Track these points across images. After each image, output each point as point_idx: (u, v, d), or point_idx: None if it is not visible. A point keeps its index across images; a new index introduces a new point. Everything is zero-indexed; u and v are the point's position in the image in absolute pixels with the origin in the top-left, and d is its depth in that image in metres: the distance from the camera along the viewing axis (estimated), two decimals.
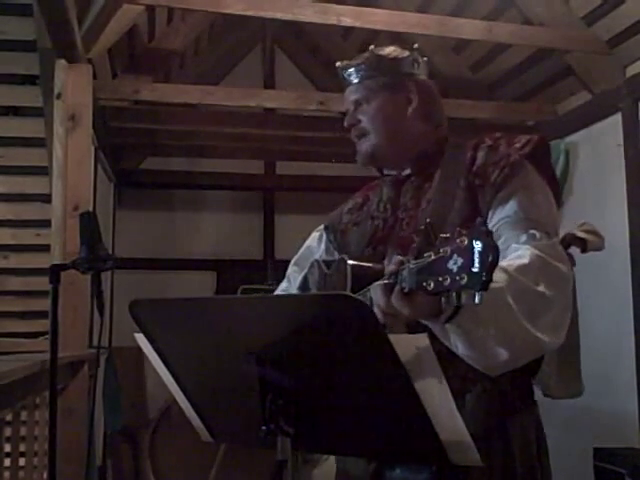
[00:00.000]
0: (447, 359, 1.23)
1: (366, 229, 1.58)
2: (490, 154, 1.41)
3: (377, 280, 1.18)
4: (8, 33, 3.76)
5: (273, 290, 1.90)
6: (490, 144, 1.44)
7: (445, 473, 1.28)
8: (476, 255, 0.94)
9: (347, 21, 3.58)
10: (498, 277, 1.18)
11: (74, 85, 3.27)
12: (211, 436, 1.34)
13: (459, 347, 1.20)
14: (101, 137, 4.28)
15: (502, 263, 1.22)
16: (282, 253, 5.97)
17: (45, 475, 2.59)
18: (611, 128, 3.95)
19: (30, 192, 4.19)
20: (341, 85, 1.62)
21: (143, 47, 4.53)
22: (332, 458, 3.87)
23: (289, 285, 1.73)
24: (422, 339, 1.02)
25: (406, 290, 1.08)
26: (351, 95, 1.58)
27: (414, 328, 1.33)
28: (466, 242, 0.96)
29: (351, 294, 1.05)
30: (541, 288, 1.24)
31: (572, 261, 1.36)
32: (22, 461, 2.52)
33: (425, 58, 1.60)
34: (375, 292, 1.15)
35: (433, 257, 1.01)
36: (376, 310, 1.14)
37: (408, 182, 1.54)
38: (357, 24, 3.66)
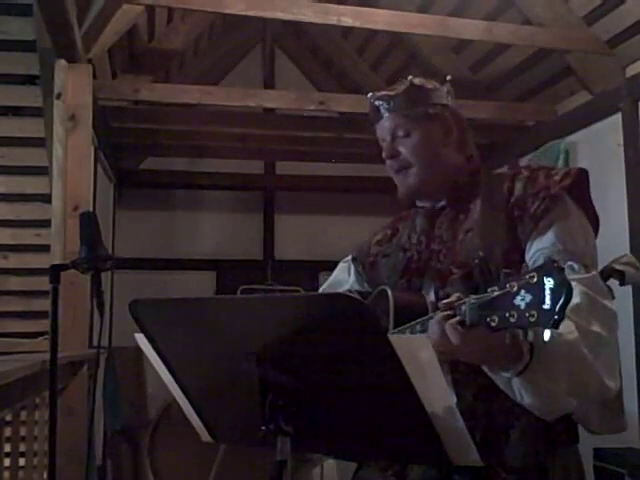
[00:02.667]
0: (491, 394, 1.24)
1: (397, 261, 1.55)
2: (528, 185, 1.40)
3: (421, 313, 1.17)
4: (8, 33, 3.76)
5: (273, 290, 1.90)
6: (528, 175, 1.42)
7: None
8: (547, 292, 0.92)
9: (347, 21, 3.58)
10: (571, 327, 1.16)
11: (74, 85, 3.27)
12: (211, 436, 1.34)
13: (524, 398, 1.17)
14: (101, 137, 4.28)
15: None
16: (282, 253, 5.98)
17: (45, 475, 2.59)
18: (611, 128, 3.95)
19: (30, 192, 4.19)
20: (371, 115, 1.55)
21: (143, 47, 4.53)
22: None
23: None
24: (423, 340, 1.02)
25: (467, 324, 1.06)
26: (387, 126, 1.52)
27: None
28: (536, 278, 0.94)
29: (351, 294, 1.05)
30: (596, 328, 1.22)
31: (612, 294, 1.34)
32: (22, 461, 2.53)
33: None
34: (433, 324, 1.12)
35: (498, 292, 0.99)
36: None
37: (443, 214, 1.51)
38: (357, 24, 3.66)
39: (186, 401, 1.30)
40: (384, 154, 1.53)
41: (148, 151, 5.68)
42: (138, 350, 1.27)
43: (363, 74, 5.62)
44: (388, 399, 1.07)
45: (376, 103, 1.53)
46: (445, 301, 1.11)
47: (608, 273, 1.38)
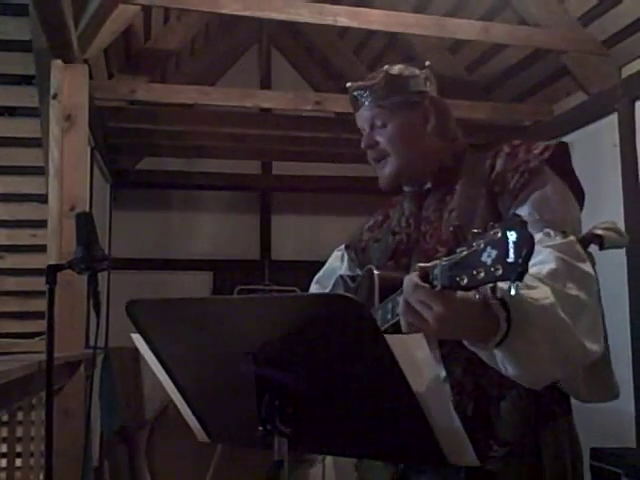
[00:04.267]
0: (479, 367, 1.24)
1: (388, 244, 1.57)
2: (508, 161, 1.42)
3: None
4: (4, 33, 3.76)
5: (269, 290, 1.93)
6: (508, 151, 1.44)
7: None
8: (510, 245, 0.93)
9: (343, 21, 3.58)
10: (546, 291, 1.16)
11: (70, 85, 3.26)
12: (208, 436, 1.34)
13: (509, 369, 1.16)
14: (97, 137, 4.28)
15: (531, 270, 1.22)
16: (279, 253, 5.99)
17: (41, 476, 2.59)
18: (607, 128, 3.95)
19: (26, 192, 4.19)
20: (351, 105, 1.58)
21: (139, 47, 4.53)
22: (329, 458, 3.89)
23: None
24: (419, 340, 1.02)
25: (438, 287, 1.06)
26: (365, 116, 1.55)
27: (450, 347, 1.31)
28: (500, 234, 0.95)
29: (348, 294, 1.05)
30: (574, 292, 1.21)
31: (592, 260, 1.34)
32: (19, 462, 2.52)
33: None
34: (405, 284, 1.11)
35: (466, 252, 1.00)
36: (402, 317, 1.12)
37: (430, 196, 1.53)
38: (353, 24, 3.66)
39: (183, 401, 1.30)
40: (363, 144, 1.56)
41: (144, 151, 5.68)
42: (135, 351, 1.27)
43: (359, 74, 5.60)
44: (385, 399, 1.08)
45: (355, 93, 1.56)
46: (420, 265, 1.11)
47: (588, 239, 1.39)
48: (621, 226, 4.05)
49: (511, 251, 0.93)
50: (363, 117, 1.55)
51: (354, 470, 1.58)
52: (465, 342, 1.18)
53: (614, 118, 3.89)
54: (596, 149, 4.06)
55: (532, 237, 0.93)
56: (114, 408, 4.09)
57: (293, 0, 3.60)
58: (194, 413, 1.31)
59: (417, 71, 1.55)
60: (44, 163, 3.66)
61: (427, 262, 1.13)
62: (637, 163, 3.73)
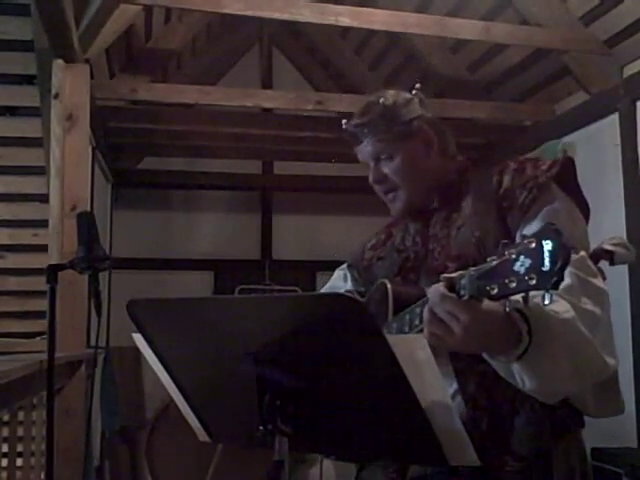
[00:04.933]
0: (494, 382, 1.24)
1: (393, 262, 1.57)
2: (516, 177, 1.42)
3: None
4: (6, 33, 3.76)
5: (270, 290, 1.93)
6: (515, 167, 1.45)
7: None
8: (546, 254, 0.92)
9: (345, 21, 3.58)
10: (566, 305, 1.16)
11: (71, 85, 3.27)
12: (208, 436, 1.34)
13: (526, 383, 1.16)
14: (98, 137, 4.28)
15: None
16: (279, 253, 5.98)
17: (43, 475, 2.59)
18: (608, 128, 3.95)
19: (27, 192, 4.19)
20: (351, 140, 1.57)
21: (140, 47, 4.53)
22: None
23: None
24: (420, 340, 1.02)
25: (466, 297, 1.05)
26: (369, 151, 1.54)
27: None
28: (535, 243, 0.94)
29: (349, 294, 1.05)
30: (590, 307, 1.22)
31: (602, 275, 1.35)
32: (19, 461, 2.52)
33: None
34: (432, 294, 1.11)
35: (497, 261, 1.00)
36: (426, 327, 1.11)
37: (436, 214, 1.53)
38: (355, 24, 3.66)
39: (183, 401, 1.30)
40: (370, 179, 1.56)
41: (146, 151, 5.67)
42: (136, 350, 1.28)
43: (361, 74, 5.62)
44: (386, 399, 1.07)
45: (353, 130, 1.55)
46: (445, 275, 1.10)
47: (598, 254, 1.38)
48: (622, 226, 4.07)
49: (546, 260, 0.92)
50: (366, 152, 1.55)
51: (355, 468, 1.58)
52: (485, 355, 1.18)
53: (615, 118, 3.89)
54: (597, 149, 4.06)
55: (568, 247, 0.93)
56: (115, 408, 4.09)
57: (295, 0, 3.60)
58: (195, 413, 1.31)
59: (409, 95, 1.54)
60: (45, 163, 3.66)
61: (436, 279, 1.13)
62: (638, 163, 3.73)
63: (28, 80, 3.88)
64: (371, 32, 4.96)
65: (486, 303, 1.06)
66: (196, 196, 5.95)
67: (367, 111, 1.52)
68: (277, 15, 3.53)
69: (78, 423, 3.06)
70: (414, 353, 1.01)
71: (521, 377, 1.16)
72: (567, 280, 1.20)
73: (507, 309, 1.02)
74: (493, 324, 1.09)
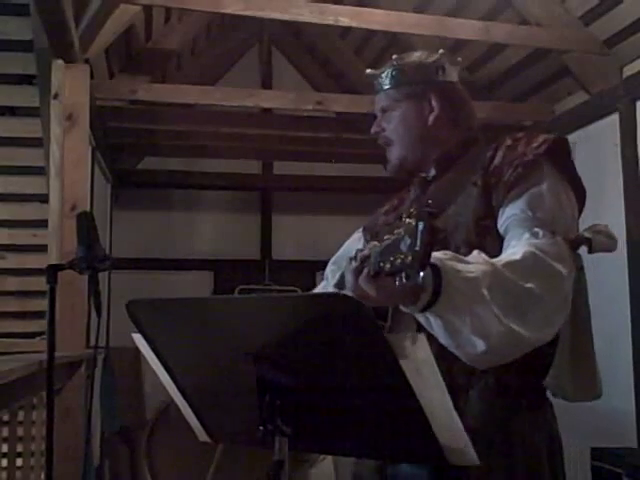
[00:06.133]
0: (452, 354, 1.25)
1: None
2: (508, 153, 1.43)
3: None
4: (5, 33, 3.76)
5: (270, 290, 1.95)
6: (509, 144, 1.46)
7: (445, 469, 1.29)
8: (419, 235, 0.97)
9: (345, 21, 3.58)
10: (479, 269, 1.21)
11: (71, 85, 3.27)
12: (208, 436, 1.34)
13: (440, 336, 1.21)
14: (98, 137, 4.28)
15: (495, 259, 1.26)
16: (279, 253, 5.98)
17: (42, 475, 2.59)
18: (608, 128, 3.95)
19: (27, 192, 4.19)
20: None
21: (140, 47, 4.53)
22: (329, 458, 3.88)
23: (327, 282, 1.77)
24: (420, 339, 1.01)
25: (371, 272, 1.12)
26: (378, 103, 1.62)
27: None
28: (413, 223, 0.99)
29: (349, 294, 1.05)
30: (528, 284, 1.24)
31: (579, 262, 1.37)
32: (19, 461, 2.52)
33: (459, 59, 1.65)
34: (346, 274, 1.19)
35: (391, 239, 1.05)
36: (349, 293, 1.17)
37: (434, 183, 1.57)
38: (354, 24, 3.66)
39: (184, 401, 1.30)
40: (372, 129, 1.63)
41: (145, 151, 5.68)
42: (136, 350, 1.27)
43: (360, 74, 5.60)
44: (385, 398, 1.07)
45: (372, 80, 1.64)
46: (361, 253, 1.16)
47: (578, 241, 1.39)
48: (622, 226, 4.07)
49: (419, 240, 0.97)
50: (376, 103, 1.62)
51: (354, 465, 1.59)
52: (401, 307, 1.22)
53: (615, 118, 3.89)
54: (597, 149, 4.06)
55: (435, 229, 0.98)
56: (115, 408, 4.09)
57: (294, 0, 3.60)
58: (195, 413, 1.31)
59: (430, 59, 1.60)
60: (45, 163, 3.66)
61: None
62: (638, 163, 3.73)
63: (28, 80, 3.88)
64: (371, 32, 4.95)
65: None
66: (196, 196, 5.95)
67: (387, 65, 1.60)
68: (277, 15, 3.54)
69: (78, 423, 3.06)
70: (414, 352, 1.00)
71: (436, 329, 1.21)
72: (517, 257, 1.26)
73: (397, 284, 1.05)
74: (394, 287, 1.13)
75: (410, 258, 0.98)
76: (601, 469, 3.30)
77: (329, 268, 1.80)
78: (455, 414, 1.04)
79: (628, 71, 3.86)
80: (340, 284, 1.65)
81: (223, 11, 3.56)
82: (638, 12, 3.54)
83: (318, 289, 1.82)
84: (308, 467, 3.48)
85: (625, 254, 3.71)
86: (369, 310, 1.02)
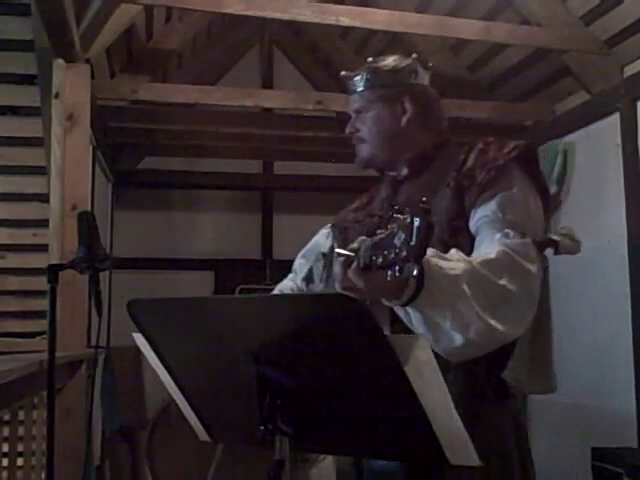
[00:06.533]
0: None
1: (366, 226, 1.65)
2: (480, 157, 1.49)
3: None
4: (6, 33, 3.76)
5: (271, 290, 1.97)
6: (481, 148, 1.52)
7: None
8: (414, 231, 1.00)
9: (345, 21, 3.58)
10: (460, 266, 1.27)
11: (72, 85, 3.27)
12: (209, 436, 1.34)
13: (418, 329, 1.26)
14: (99, 137, 4.28)
15: (470, 257, 1.33)
16: (280, 253, 5.98)
17: (43, 475, 2.59)
18: (609, 128, 3.95)
19: (28, 192, 4.18)
20: (343, 88, 1.72)
21: (141, 47, 4.53)
22: (329, 457, 3.87)
23: (295, 275, 1.86)
24: (421, 340, 1.02)
25: (361, 265, 1.15)
26: (352, 104, 1.67)
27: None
28: (408, 219, 1.02)
29: (349, 294, 1.05)
30: (503, 282, 1.31)
31: (545, 262, 1.44)
32: (20, 461, 2.52)
33: (430, 64, 1.70)
34: (334, 266, 1.22)
35: (384, 234, 1.08)
36: (336, 285, 1.22)
37: (406, 183, 1.63)
38: (355, 24, 3.66)
39: (184, 401, 1.30)
40: (346, 129, 1.68)
41: (146, 151, 5.67)
42: (136, 350, 1.28)
43: None
44: (386, 399, 1.08)
45: (346, 82, 1.68)
46: (350, 246, 1.21)
47: (545, 243, 1.45)
48: (623, 225, 4.07)
49: (414, 235, 1.00)
50: (350, 104, 1.68)
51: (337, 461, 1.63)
52: (384, 301, 1.26)
53: (616, 118, 3.89)
54: (598, 149, 4.06)
55: (432, 226, 1.01)
56: (115, 407, 4.09)
57: (295, 0, 3.60)
58: (195, 412, 1.31)
59: (404, 63, 1.66)
60: (46, 162, 3.66)
61: None
62: (639, 163, 3.73)
63: (29, 80, 3.88)
64: (371, 32, 4.96)
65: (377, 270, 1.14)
66: (196, 196, 5.95)
67: (361, 68, 1.65)
68: (278, 15, 3.53)
69: (78, 423, 3.06)
70: (415, 353, 1.01)
71: (415, 323, 1.26)
72: (492, 255, 1.33)
73: (388, 278, 1.07)
74: (385, 281, 1.17)
75: (405, 253, 1.01)
76: (601, 469, 3.30)
77: (297, 262, 1.87)
78: (456, 414, 1.04)
79: (629, 71, 3.86)
80: (309, 278, 1.74)
81: (224, 11, 3.56)
82: (638, 12, 3.53)
83: (285, 280, 1.89)
84: (308, 467, 3.48)
85: (626, 254, 3.71)
86: (370, 310, 1.02)
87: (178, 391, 1.29)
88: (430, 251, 1.22)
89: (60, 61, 3.23)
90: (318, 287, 1.76)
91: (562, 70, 4.22)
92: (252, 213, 6.07)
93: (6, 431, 2.39)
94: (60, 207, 3.20)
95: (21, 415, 2.50)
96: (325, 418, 1.15)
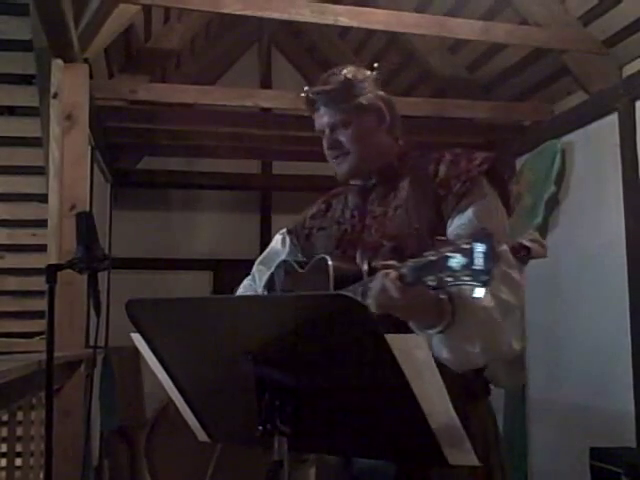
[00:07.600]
0: None
1: (332, 233, 1.69)
2: (452, 168, 1.54)
3: (357, 279, 1.36)
4: (5, 32, 3.75)
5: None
6: (451, 159, 1.56)
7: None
8: (478, 255, 1.06)
9: (344, 21, 3.58)
10: (487, 298, 1.33)
11: (70, 85, 3.27)
12: (207, 436, 1.34)
13: (443, 353, 1.35)
14: (97, 137, 4.28)
15: None
16: None
17: (42, 475, 2.59)
18: (608, 128, 3.95)
19: (26, 192, 4.18)
20: (307, 107, 1.71)
21: (140, 47, 4.53)
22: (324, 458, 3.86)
23: (253, 283, 1.89)
24: (420, 340, 1.02)
25: (407, 282, 1.20)
26: (325, 118, 1.65)
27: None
28: (469, 245, 1.07)
29: (348, 294, 1.05)
30: (505, 296, 1.38)
31: (521, 268, 1.50)
32: (19, 461, 2.52)
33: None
34: (379, 279, 1.25)
35: (435, 256, 1.12)
36: (375, 297, 1.26)
37: (374, 191, 1.65)
38: (354, 24, 3.66)
39: (182, 401, 1.30)
40: (325, 145, 1.66)
41: (145, 151, 5.67)
42: (135, 350, 1.27)
43: None
44: (385, 398, 1.08)
45: (312, 97, 1.69)
46: (383, 263, 1.27)
47: (517, 249, 1.53)
48: (621, 226, 4.06)
49: (479, 260, 1.06)
50: (323, 120, 1.65)
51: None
52: (412, 326, 1.34)
53: (615, 118, 3.88)
54: (597, 149, 4.06)
55: (497, 250, 1.09)
56: (114, 407, 4.09)
57: (294, 0, 3.60)
58: (194, 412, 1.31)
59: (367, 73, 1.66)
60: (44, 163, 3.66)
61: (373, 254, 1.41)
62: (638, 163, 3.73)
63: (27, 80, 3.87)
64: (370, 32, 4.96)
65: (421, 287, 1.20)
66: (195, 196, 5.95)
67: (329, 81, 1.65)
68: (276, 15, 3.54)
69: (77, 423, 3.06)
70: (413, 353, 1.01)
71: (439, 348, 1.34)
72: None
73: (441, 296, 1.21)
74: (425, 304, 1.30)
75: (469, 276, 1.07)
76: (600, 469, 3.30)
77: (256, 268, 1.90)
78: (454, 414, 1.04)
79: (627, 71, 3.86)
80: (269, 284, 1.75)
81: (222, 11, 3.56)
82: (637, 12, 3.54)
83: (242, 286, 1.94)
84: (308, 467, 3.48)
85: (624, 253, 3.71)
86: (369, 310, 1.02)
87: (176, 391, 1.29)
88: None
89: (58, 61, 3.22)
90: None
91: (561, 70, 4.22)
92: (250, 213, 6.07)
93: (4, 431, 2.39)
94: (59, 207, 3.19)
95: (19, 415, 2.50)
96: (324, 418, 1.15)
